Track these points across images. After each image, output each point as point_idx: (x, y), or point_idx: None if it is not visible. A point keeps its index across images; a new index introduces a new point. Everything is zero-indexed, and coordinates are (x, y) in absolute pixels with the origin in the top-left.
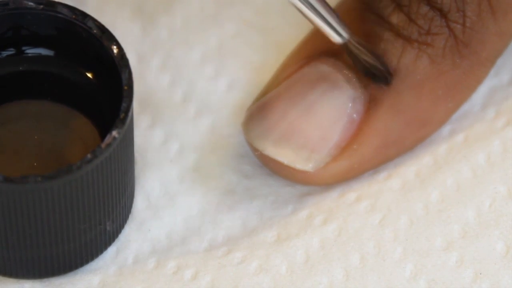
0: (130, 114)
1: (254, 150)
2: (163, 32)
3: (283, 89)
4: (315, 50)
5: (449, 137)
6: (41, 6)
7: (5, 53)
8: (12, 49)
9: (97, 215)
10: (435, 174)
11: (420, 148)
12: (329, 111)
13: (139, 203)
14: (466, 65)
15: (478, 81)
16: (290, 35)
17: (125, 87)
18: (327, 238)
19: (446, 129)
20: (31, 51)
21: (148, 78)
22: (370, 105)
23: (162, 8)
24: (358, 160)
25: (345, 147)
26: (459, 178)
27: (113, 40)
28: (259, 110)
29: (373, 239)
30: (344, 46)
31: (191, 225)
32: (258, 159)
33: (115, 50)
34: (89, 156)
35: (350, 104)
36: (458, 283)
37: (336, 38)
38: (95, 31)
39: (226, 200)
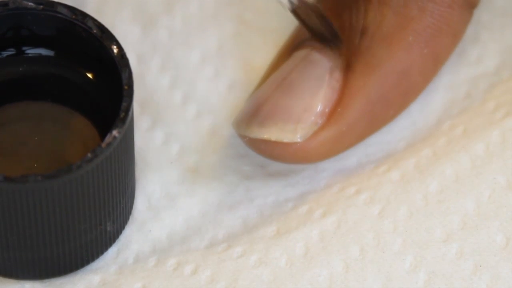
0: (130, 113)
1: (243, 137)
2: (163, 33)
3: (267, 83)
4: (296, 43)
5: (449, 131)
6: (41, 6)
7: (5, 53)
8: (12, 49)
9: (97, 215)
10: (434, 165)
11: (419, 141)
12: (308, 84)
13: (140, 204)
14: (431, 8)
15: (450, 26)
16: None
17: (125, 87)
18: (326, 231)
19: (445, 123)
20: (31, 51)
21: (148, 79)
22: (347, 68)
23: (162, 9)
24: (346, 123)
25: (330, 113)
26: (458, 169)
27: (113, 40)
28: (246, 107)
29: (372, 230)
30: (293, 11)
31: (192, 225)
32: (249, 147)
33: (115, 50)
34: (89, 155)
35: (328, 74)
36: (458, 275)
37: (285, 3)
38: (95, 31)
39: (226, 200)
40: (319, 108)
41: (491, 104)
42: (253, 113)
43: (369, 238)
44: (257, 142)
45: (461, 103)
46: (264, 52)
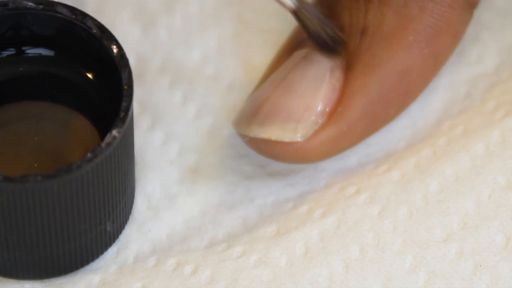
0: (130, 113)
1: (243, 137)
2: (163, 33)
3: (267, 83)
4: (296, 43)
5: (449, 131)
6: (41, 6)
7: (5, 53)
8: (12, 49)
9: (97, 215)
10: (434, 165)
11: (419, 141)
12: (309, 84)
13: (140, 204)
14: (432, 8)
15: (451, 26)
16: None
17: (125, 87)
18: (326, 230)
19: (445, 123)
20: (31, 51)
21: (148, 79)
22: (347, 68)
23: (162, 9)
24: (346, 122)
25: (330, 112)
26: (458, 169)
27: (112, 39)
28: (245, 105)
29: (372, 230)
30: (294, 14)
31: (192, 225)
32: (249, 146)
33: (114, 49)
34: (89, 155)
35: (328, 73)
36: (458, 275)
37: (286, 5)
38: (94, 31)
39: (226, 200)
40: (319, 107)
41: (491, 104)
42: (254, 112)
43: (369, 238)
44: (258, 141)
45: (461, 103)
46: (264, 52)
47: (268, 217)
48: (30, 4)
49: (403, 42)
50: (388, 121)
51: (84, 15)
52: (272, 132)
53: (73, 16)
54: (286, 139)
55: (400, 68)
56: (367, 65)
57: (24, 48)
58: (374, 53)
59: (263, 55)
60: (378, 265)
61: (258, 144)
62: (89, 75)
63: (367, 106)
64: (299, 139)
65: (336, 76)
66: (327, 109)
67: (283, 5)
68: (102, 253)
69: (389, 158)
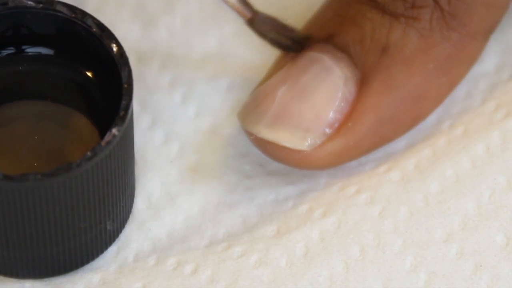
0: (130, 112)
1: (249, 134)
2: (163, 32)
3: (276, 77)
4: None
5: (449, 131)
6: (41, 5)
7: (4, 52)
8: (12, 48)
9: (97, 214)
10: (434, 166)
11: (419, 141)
12: (322, 92)
13: (140, 203)
14: (455, 38)
15: (470, 56)
16: None
17: (125, 85)
18: (326, 231)
19: (445, 123)
20: (31, 50)
21: (148, 78)
22: (362, 83)
23: (162, 8)
24: (354, 138)
25: (340, 125)
26: (458, 169)
27: (112, 38)
28: (253, 99)
29: (372, 231)
30: (250, 23)
31: (192, 224)
32: (254, 144)
33: (114, 48)
34: (89, 153)
35: (342, 84)
36: (458, 275)
37: (244, 14)
38: (94, 29)
39: (226, 199)
40: (330, 118)
41: (491, 104)
42: (262, 110)
43: (370, 238)
44: (263, 142)
45: (461, 103)
46: (264, 52)
47: (268, 216)
48: (30, 3)
49: (423, 69)
50: (393, 140)
51: (84, 13)
52: (281, 137)
53: (73, 15)
54: (294, 147)
55: (415, 93)
56: (383, 84)
57: (23, 47)
58: (392, 74)
59: (263, 55)
60: (378, 265)
61: (263, 145)
62: (89, 74)
63: (377, 125)
64: (306, 148)
65: (349, 89)
66: (337, 121)
67: (241, 13)
68: (102, 252)
69: (389, 158)
